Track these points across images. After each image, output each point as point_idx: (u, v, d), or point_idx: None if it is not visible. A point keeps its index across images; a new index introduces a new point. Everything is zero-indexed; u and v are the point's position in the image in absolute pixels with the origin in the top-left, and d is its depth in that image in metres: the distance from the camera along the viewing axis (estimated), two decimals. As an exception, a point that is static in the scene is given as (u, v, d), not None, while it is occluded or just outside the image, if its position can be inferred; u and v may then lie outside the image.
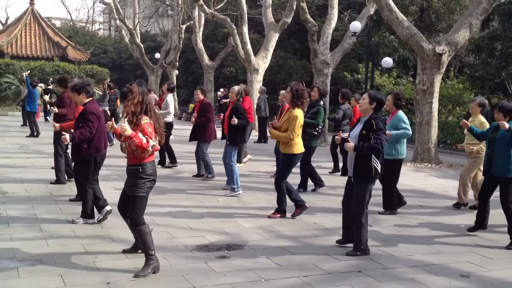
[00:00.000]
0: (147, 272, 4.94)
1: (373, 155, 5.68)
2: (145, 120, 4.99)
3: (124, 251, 5.56)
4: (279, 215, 7.37)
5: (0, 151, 12.99)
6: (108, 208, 6.75)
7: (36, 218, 6.88)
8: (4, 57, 31.30)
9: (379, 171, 5.75)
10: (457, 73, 26.03)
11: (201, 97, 10.39)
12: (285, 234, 6.64)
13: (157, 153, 11.71)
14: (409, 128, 7.83)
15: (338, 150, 11.04)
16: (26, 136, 16.34)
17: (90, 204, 6.73)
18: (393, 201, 8.00)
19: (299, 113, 7.20)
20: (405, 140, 8.02)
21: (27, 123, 17.78)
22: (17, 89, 26.53)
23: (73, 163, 7.20)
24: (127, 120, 4.96)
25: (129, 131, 4.83)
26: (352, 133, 6.01)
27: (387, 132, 7.66)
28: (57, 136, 8.84)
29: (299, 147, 7.27)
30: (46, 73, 29.11)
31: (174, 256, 5.53)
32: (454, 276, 5.29)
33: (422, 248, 6.24)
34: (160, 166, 11.42)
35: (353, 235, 5.93)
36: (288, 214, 7.44)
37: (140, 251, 5.45)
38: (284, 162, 7.30)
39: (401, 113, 7.95)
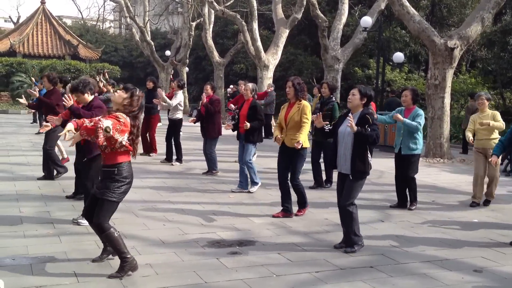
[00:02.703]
0: (122, 273, 4.78)
1: (368, 152, 5.70)
2: (121, 119, 4.71)
3: (94, 261, 5.19)
4: (303, 209, 7.38)
5: (13, 149, 13.11)
6: None
7: (49, 215, 6.93)
8: (16, 56, 31.60)
9: (371, 166, 5.80)
10: (469, 67, 25.81)
11: (211, 92, 10.48)
12: (296, 230, 6.63)
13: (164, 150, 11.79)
14: (421, 125, 7.82)
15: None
16: (36, 134, 16.50)
17: None
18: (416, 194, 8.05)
19: (307, 103, 7.24)
20: (422, 134, 8.02)
21: (37, 121, 18.02)
22: (29, 87, 26.75)
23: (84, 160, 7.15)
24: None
25: (69, 126, 4.60)
26: (342, 129, 5.83)
27: (400, 116, 7.73)
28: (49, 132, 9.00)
29: (306, 141, 7.21)
30: (58, 72, 29.30)
31: (186, 252, 5.55)
32: (467, 271, 5.26)
33: (435, 243, 6.21)
34: (178, 163, 11.58)
35: (345, 231, 5.83)
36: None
37: (110, 256, 5.21)
38: (296, 157, 7.17)
39: (419, 109, 7.94)
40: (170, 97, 11.94)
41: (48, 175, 9.24)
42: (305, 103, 7.20)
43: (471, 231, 6.86)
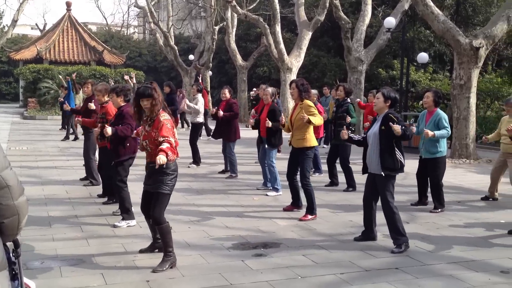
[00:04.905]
0: (164, 267, 5.04)
1: (396, 149, 5.77)
2: (164, 116, 5.16)
3: (141, 251, 5.60)
4: (310, 216, 7.22)
5: (41, 154, 13.37)
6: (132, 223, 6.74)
7: (77, 218, 7.06)
8: (43, 62, 32.13)
9: (404, 164, 5.85)
10: (495, 66, 25.42)
11: (228, 96, 10.65)
12: (321, 232, 6.64)
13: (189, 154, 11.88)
14: (449, 127, 7.80)
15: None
16: (61, 140, 16.75)
17: (129, 200, 6.73)
18: (443, 198, 7.97)
19: (308, 101, 7.35)
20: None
21: (65, 127, 18.23)
22: (55, 93, 27.20)
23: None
24: (146, 120, 5.23)
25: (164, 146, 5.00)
26: (370, 131, 5.99)
27: (430, 132, 7.55)
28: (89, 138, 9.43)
29: (312, 140, 7.37)
30: (84, 78, 29.73)
31: (211, 255, 5.60)
32: (494, 272, 5.20)
33: (461, 245, 6.15)
34: (195, 165, 11.69)
35: (390, 231, 5.90)
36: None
37: (157, 250, 5.50)
38: (301, 157, 7.31)
39: (441, 111, 7.88)
40: None
41: (94, 181, 9.34)
42: (306, 101, 7.33)
43: (498, 232, 6.78)
